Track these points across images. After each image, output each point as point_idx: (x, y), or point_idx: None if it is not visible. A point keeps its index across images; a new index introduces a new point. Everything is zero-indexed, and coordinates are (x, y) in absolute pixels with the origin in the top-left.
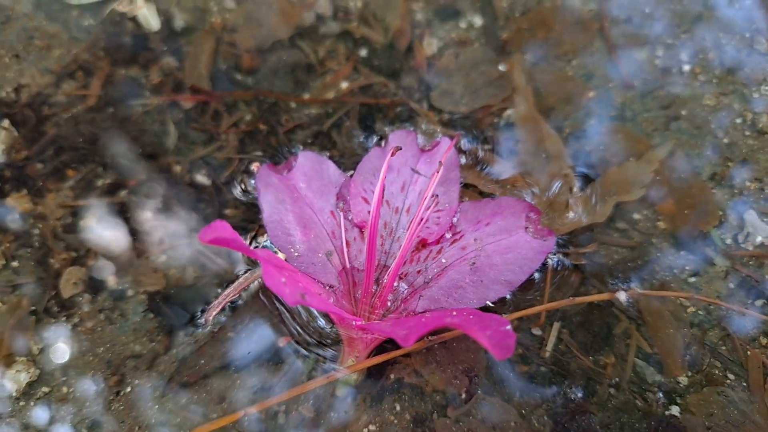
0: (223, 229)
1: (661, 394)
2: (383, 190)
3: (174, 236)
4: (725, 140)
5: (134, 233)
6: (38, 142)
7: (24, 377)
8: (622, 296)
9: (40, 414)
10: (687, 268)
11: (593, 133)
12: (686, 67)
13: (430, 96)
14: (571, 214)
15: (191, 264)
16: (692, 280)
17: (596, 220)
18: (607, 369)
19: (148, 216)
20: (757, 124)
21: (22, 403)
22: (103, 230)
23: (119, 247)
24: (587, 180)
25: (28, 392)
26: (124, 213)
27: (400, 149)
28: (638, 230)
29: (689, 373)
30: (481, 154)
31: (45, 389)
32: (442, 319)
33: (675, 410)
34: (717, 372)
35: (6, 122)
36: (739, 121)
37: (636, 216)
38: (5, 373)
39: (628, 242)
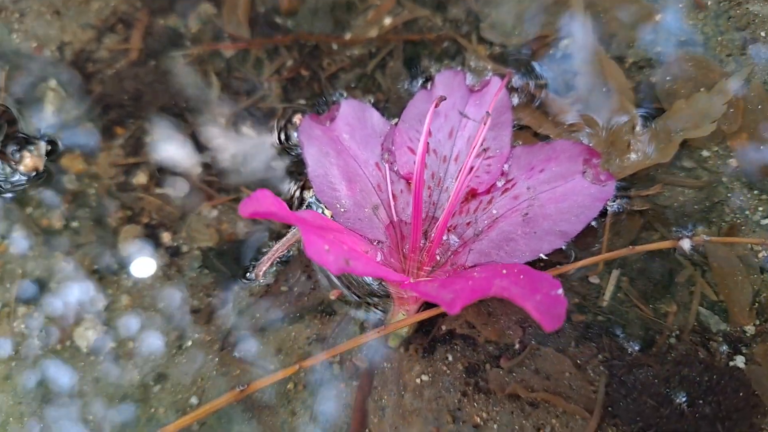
0: (264, 199)
1: (725, 345)
2: (427, 139)
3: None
4: None
5: (185, 190)
6: (85, 102)
7: (92, 334)
8: (686, 244)
9: (108, 368)
10: (760, 209)
11: (659, 62)
12: None
13: (480, 28)
14: (633, 155)
15: (242, 218)
16: (765, 222)
17: (661, 159)
18: (668, 318)
19: (198, 171)
20: None
21: (91, 358)
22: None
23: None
24: (652, 115)
25: (97, 348)
26: (173, 169)
27: (445, 99)
28: (707, 169)
29: (757, 322)
30: (535, 91)
31: (112, 345)
32: (489, 286)
33: (740, 361)
34: None
35: (53, 82)
36: None
37: (705, 153)
38: (74, 331)
39: (696, 182)
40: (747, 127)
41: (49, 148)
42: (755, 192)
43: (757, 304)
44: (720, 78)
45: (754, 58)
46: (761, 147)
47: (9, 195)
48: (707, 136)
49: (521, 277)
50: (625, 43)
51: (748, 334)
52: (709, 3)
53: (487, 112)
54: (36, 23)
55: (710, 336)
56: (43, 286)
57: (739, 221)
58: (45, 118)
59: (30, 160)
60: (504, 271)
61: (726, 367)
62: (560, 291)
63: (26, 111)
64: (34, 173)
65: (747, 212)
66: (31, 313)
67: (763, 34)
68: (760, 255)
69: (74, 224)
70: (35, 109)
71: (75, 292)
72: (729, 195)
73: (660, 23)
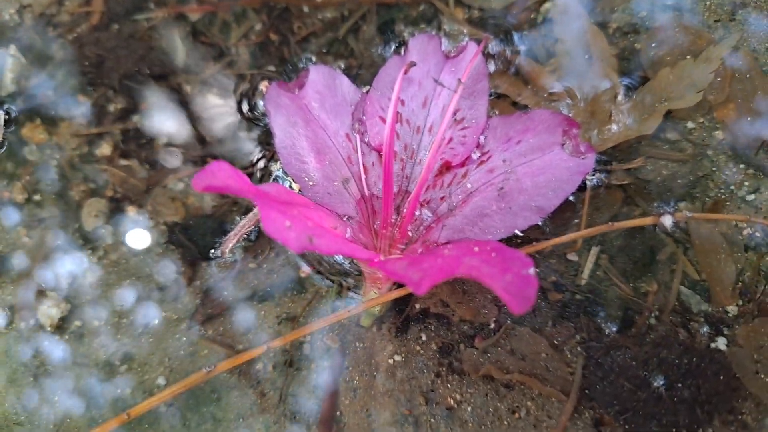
0: (220, 172)
1: (706, 326)
2: (398, 107)
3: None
4: None
5: (150, 162)
6: (46, 68)
7: (56, 312)
8: (667, 220)
9: (73, 347)
10: (746, 184)
11: (644, 27)
12: None
13: None
14: (614, 126)
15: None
16: (751, 197)
17: (644, 131)
18: (648, 297)
19: (163, 141)
20: None
21: (56, 337)
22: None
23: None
24: (636, 84)
25: (61, 326)
26: (138, 139)
27: (415, 64)
28: (691, 141)
29: (740, 302)
30: (512, 57)
31: (77, 323)
32: (458, 265)
33: (721, 342)
34: None
35: (12, 48)
36: None
37: (690, 125)
38: (38, 309)
39: (680, 155)
40: (734, 98)
41: (8, 117)
42: (741, 166)
43: (740, 283)
44: (708, 45)
45: (744, 24)
46: (749, 119)
47: None
48: (693, 107)
49: (493, 255)
50: (608, 7)
51: (731, 315)
52: None
53: (459, 79)
54: None
55: (691, 316)
56: (4, 261)
57: (724, 197)
58: (4, 86)
59: None
60: (476, 249)
61: (706, 349)
62: (532, 270)
63: None
64: None
65: (732, 187)
66: None
67: None
68: (744, 232)
69: (36, 197)
70: None
71: (38, 269)
72: (714, 169)
73: None
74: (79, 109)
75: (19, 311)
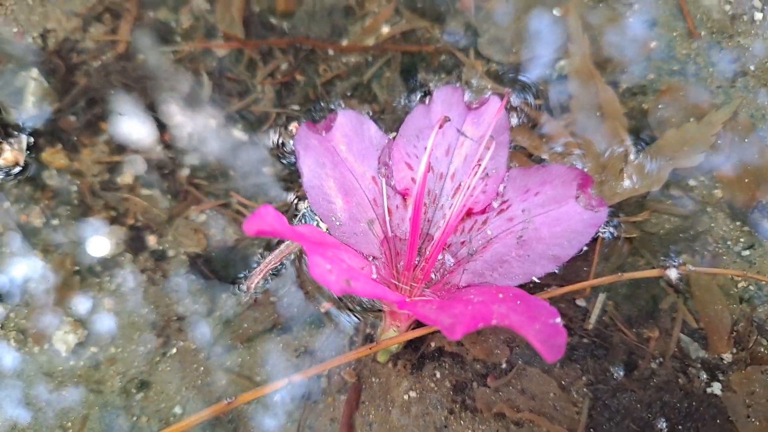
0: (268, 216)
1: (703, 371)
2: (430, 158)
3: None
4: None
5: (173, 192)
6: (69, 93)
7: (72, 338)
8: (672, 273)
9: (90, 373)
10: (741, 240)
11: (652, 89)
12: (758, 15)
13: (478, 43)
14: (626, 182)
15: (231, 223)
16: (746, 253)
17: (652, 188)
18: (650, 343)
19: (185, 173)
20: None
21: (71, 363)
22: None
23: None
24: (644, 142)
25: (77, 352)
26: (161, 170)
27: (449, 120)
28: (693, 198)
29: (734, 350)
30: (530, 112)
31: (93, 349)
32: (490, 313)
33: (716, 387)
34: (763, 350)
35: (35, 72)
36: None
37: (692, 182)
38: (54, 335)
39: (682, 211)
40: (733, 159)
41: (31, 141)
42: (737, 223)
43: (735, 332)
44: (710, 109)
45: (742, 91)
46: (746, 179)
47: None
48: (695, 167)
49: (518, 302)
50: (619, 68)
51: (726, 362)
52: (702, 33)
53: (491, 135)
54: (17, 7)
55: (689, 362)
56: (22, 286)
57: (721, 251)
58: (26, 109)
59: (10, 154)
60: (500, 295)
61: (704, 394)
62: (559, 320)
63: (6, 101)
64: (14, 167)
65: (729, 243)
66: (6, 313)
67: (752, 67)
68: (739, 285)
69: (54, 222)
70: (15, 100)
71: (55, 294)
72: (713, 225)
73: (654, 51)
74: (101, 137)
75: (35, 336)
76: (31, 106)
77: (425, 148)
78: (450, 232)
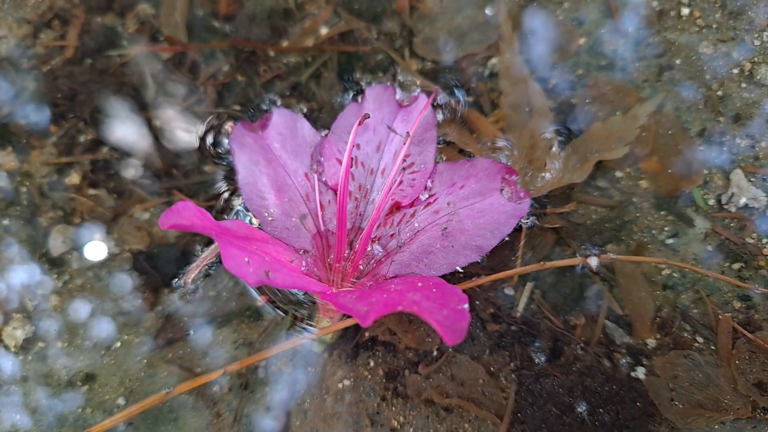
0: (186, 211)
1: (628, 356)
2: (353, 152)
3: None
4: (719, 93)
5: (118, 192)
6: (19, 99)
7: (20, 334)
8: (593, 261)
9: (37, 368)
10: (666, 229)
11: (580, 84)
12: (685, 11)
13: (413, 42)
14: (547, 174)
15: None
16: (670, 241)
17: (575, 179)
18: (576, 330)
19: (131, 173)
20: (755, 75)
21: (20, 357)
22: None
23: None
24: (570, 136)
25: (25, 347)
26: (106, 170)
27: (369, 117)
28: (619, 189)
29: (658, 336)
30: (461, 108)
31: (41, 344)
32: (402, 300)
33: (640, 372)
34: (686, 335)
35: None
36: (735, 71)
37: (618, 174)
38: (3, 330)
39: (608, 201)
40: (658, 151)
41: None
42: (662, 213)
43: (659, 318)
44: (636, 102)
45: (668, 84)
46: (670, 170)
47: None
48: (621, 158)
49: (434, 290)
50: (549, 64)
51: (650, 347)
52: (629, 30)
53: (407, 132)
54: None
55: (614, 348)
56: None
57: (646, 240)
58: None
59: None
60: (419, 284)
61: (626, 378)
62: (466, 306)
63: None
64: None
65: (654, 231)
66: None
67: (678, 61)
68: (663, 272)
69: (5, 222)
70: None
71: (4, 291)
72: (638, 215)
73: (583, 47)
74: (50, 139)
75: None
76: None
77: (357, 145)
78: (375, 224)
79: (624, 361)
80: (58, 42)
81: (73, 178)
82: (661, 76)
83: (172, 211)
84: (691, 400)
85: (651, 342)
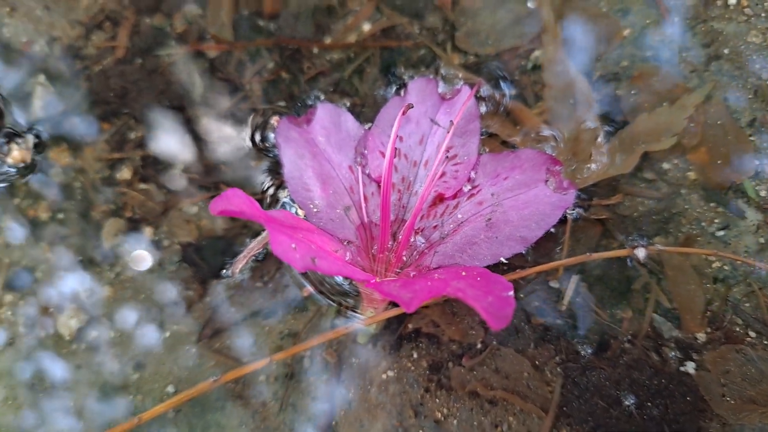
0: (234, 198)
1: (677, 351)
2: (396, 144)
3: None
4: None
5: (165, 187)
6: (73, 97)
7: (74, 323)
8: (641, 253)
9: (89, 356)
10: (716, 221)
11: (625, 75)
12: (732, 0)
13: (455, 37)
14: (593, 165)
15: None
16: (720, 233)
17: (621, 170)
18: (623, 324)
19: (180, 167)
20: None
21: (74, 347)
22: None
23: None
24: (615, 127)
25: (79, 337)
26: (156, 165)
27: (413, 106)
28: (666, 181)
29: (708, 330)
30: (505, 100)
31: (94, 334)
32: (446, 287)
33: (690, 367)
34: (738, 329)
35: (42, 77)
36: None
37: (665, 165)
38: (58, 320)
39: (655, 193)
40: (707, 142)
41: (37, 141)
42: (711, 204)
43: (709, 312)
44: (683, 93)
45: (716, 74)
46: (719, 161)
47: None
48: (668, 150)
49: (478, 279)
50: (593, 56)
51: (700, 341)
52: (675, 20)
53: (451, 121)
54: (26, 18)
55: (663, 342)
56: (29, 275)
57: (695, 232)
58: (33, 112)
59: (18, 153)
60: (463, 273)
61: (675, 372)
62: (511, 293)
63: (15, 105)
64: (22, 165)
65: (703, 224)
66: (16, 301)
67: (726, 51)
68: (713, 265)
69: (60, 216)
70: (24, 103)
71: (59, 282)
72: (687, 207)
73: (628, 38)
74: (102, 136)
75: (40, 321)
76: (38, 109)
77: (400, 138)
78: (418, 215)
79: (673, 354)
80: (109, 43)
81: (125, 173)
82: (708, 66)
83: (221, 197)
84: (744, 396)
85: (701, 336)
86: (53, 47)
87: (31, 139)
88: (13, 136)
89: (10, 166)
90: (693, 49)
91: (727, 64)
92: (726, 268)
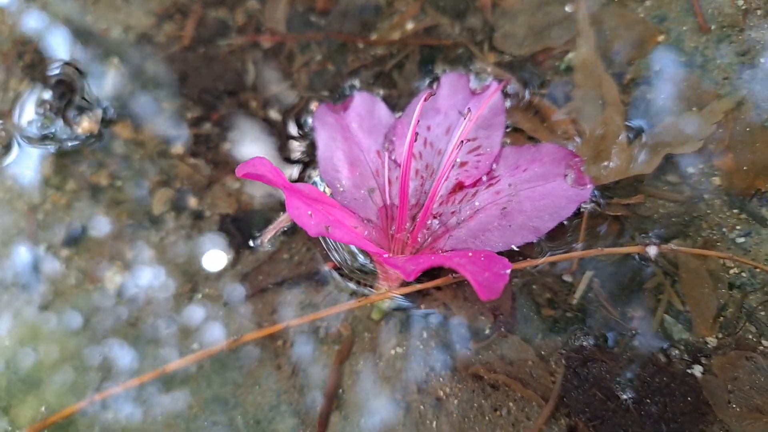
0: (259, 164)
1: (685, 354)
2: (415, 129)
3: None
4: None
5: (214, 162)
6: (140, 79)
7: (119, 279)
8: (652, 250)
9: (129, 309)
10: (738, 227)
11: (657, 80)
12: None
13: (493, 38)
14: (611, 163)
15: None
16: (741, 240)
17: (643, 170)
18: (633, 322)
19: (227, 146)
20: None
21: (117, 299)
22: None
23: None
24: (642, 129)
25: (121, 292)
26: (207, 143)
27: (434, 94)
28: (690, 185)
29: (720, 335)
30: (533, 98)
31: (135, 289)
32: (447, 260)
33: (697, 370)
34: (751, 337)
35: (116, 60)
36: None
37: (690, 170)
38: (105, 275)
39: (678, 196)
40: (734, 148)
41: (105, 115)
42: (735, 211)
43: (722, 318)
44: (713, 99)
45: (750, 83)
46: (745, 168)
47: (67, 152)
48: (694, 154)
49: (482, 258)
50: (626, 60)
51: (710, 346)
52: (712, 27)
53: (469, 108)
54: (108, 8)
55: (672, 343)
56: (84, 233)
57: (715, 237)
58: (105, 89)
59: (87, 123)
60: (470, 254)
61: (678, 372)
62: (508, 271)
63: (90, 81)
64: (89, 135)
65: (724, 229)
66: (72, 255)
67: (762, 60)
68: (731, 271)
69: (118, 183)
70: (98, 81)
71: (110, 241)
72: (709, 212)
73: (663, 44)
74: (162, 114)
75: (90, 276)
76: (110, 87)
77: (427, 127)
78: (433, 199)
79: (680, 356)
80: (178, 32)
81: (178, 148)
82: (742, 74)
83: (248, 162)
84: (750, 404)
85: (711, 341)
86: (128, 34)
87: (100, 112)
88: (84, 108)
89: (79, 135)
90: (727, 57)
91: (761, 73)
92: (744, 275)
